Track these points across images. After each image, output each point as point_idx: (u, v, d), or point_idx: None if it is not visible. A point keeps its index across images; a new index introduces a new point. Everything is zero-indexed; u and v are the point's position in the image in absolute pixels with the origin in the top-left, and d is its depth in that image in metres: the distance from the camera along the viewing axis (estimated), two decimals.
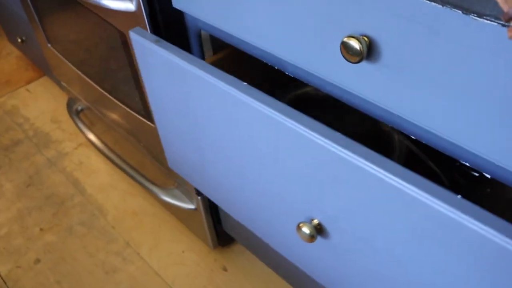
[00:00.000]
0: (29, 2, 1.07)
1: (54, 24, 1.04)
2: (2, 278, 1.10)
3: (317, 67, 0.49)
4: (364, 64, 0.44)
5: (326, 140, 0.46)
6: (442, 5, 0.35)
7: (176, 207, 1.05)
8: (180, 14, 0.67)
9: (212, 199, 0.77)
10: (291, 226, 0.58)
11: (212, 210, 0.99)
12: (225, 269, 1.07)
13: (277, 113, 0.49)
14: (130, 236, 1.16)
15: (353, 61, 0.42)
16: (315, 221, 0.53)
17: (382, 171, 0.43)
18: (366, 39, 0.42)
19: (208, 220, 1.00)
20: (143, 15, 0.67)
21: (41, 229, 1.20)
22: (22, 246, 1.16)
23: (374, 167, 0.43)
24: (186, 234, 1.15)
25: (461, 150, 0.44)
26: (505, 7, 0.29)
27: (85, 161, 1.36)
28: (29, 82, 1.68)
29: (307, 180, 0.51)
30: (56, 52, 1.13)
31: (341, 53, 0.43)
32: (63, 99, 1.58)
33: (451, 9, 0.35)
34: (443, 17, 0.36)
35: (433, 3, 0.36)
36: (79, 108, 1.26)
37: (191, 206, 0.99)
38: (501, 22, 0.32)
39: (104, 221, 1.20)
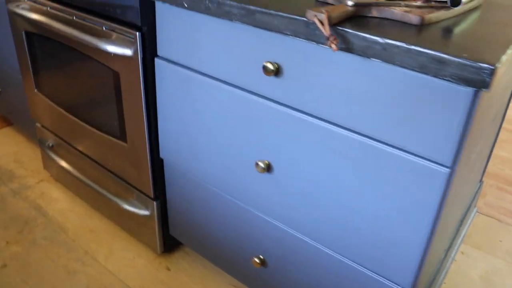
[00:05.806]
0: (27, 52, 1.39)
1: (43, 70, 1.36)
2: None
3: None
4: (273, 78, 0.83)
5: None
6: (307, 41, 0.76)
7: (133, 214, 1.33)
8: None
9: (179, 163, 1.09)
10: (251, 164, 0.94)
11: (163, 215, 1.28)
12: (168, 269, 1.34)
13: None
14: (89, 246, 1.39)
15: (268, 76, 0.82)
16: (266, 161, 0.90)
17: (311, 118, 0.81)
18: (276, 64, 0.81)
19: (159, 224, 1.29)
20: (139, 60, 1.03)
21: (7, 242, 1.39)
22: None
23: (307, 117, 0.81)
24: (135, 245, 1.41)
25: None
26: (326, 33, 0.68)
27: (46, 192, 1.60)
28: None
29: (263, 137, 0.88)
30: (41, 95, 1.43)
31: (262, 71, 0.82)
32: (24, 144, 1.82)
33: (308, 42, 0.75)
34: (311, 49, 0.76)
35: (311, 42, 0.76)
36: (50, 144, 1.53)
37: (146, 213, 1.28)
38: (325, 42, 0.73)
39: (65, 236, 1.43)
